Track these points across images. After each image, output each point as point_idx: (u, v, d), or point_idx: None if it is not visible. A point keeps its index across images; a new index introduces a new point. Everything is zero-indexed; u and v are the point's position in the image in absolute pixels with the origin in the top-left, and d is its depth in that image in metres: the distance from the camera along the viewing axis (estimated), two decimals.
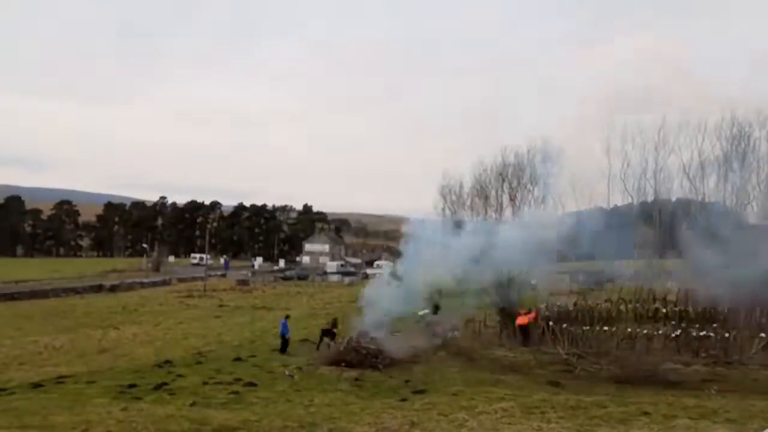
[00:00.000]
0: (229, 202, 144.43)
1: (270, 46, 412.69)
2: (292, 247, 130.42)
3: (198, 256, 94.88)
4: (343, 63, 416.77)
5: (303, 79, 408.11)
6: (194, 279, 66.29)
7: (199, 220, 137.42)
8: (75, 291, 56.64)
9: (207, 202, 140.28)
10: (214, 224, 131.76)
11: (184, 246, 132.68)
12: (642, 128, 33.35)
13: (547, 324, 24.06)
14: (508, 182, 34.50)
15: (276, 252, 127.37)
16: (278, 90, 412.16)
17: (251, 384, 15.72)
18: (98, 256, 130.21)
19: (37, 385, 15.62)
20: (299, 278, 73.41)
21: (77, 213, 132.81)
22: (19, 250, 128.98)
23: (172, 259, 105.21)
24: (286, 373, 17.58)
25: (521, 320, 23.61)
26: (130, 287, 59.67)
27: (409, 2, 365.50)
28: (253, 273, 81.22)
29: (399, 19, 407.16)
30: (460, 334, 25.11)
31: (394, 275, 26.74)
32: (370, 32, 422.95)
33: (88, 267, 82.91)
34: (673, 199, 35.44)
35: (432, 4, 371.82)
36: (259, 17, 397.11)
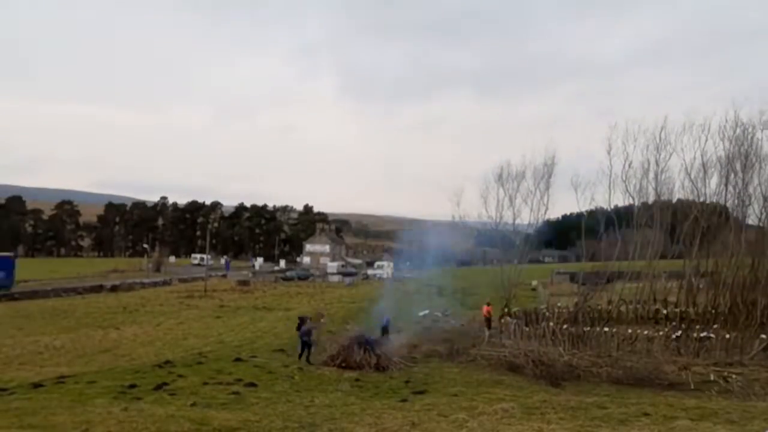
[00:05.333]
0: (229, 203, 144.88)
1: (270, 52, 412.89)
2: (293, 247, 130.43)
3: (199, 256, 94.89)
4: (346, 66, 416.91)
5: (302, 80, 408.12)
6: (195, 279, 66.29)
7: (199, 220, 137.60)
8: (76, 291, 56.64)
9: (208, 203, 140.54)
10: (215, 224, 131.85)
11: (184, 246, 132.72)
12: (644, 128, 33.17)
13: (548, 324, 24.09)
14: (509, 185, 34.41)
15: (276, 252, 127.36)
16: (278, 91, 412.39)
17: (252, 384, 15.71)
18: (99, 256, 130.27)
19: (37, 385, 15.59)
20: (300, 279, 73.38)
21: (78, 213, 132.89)
22: (20, 250, 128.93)
23: (172, 259, 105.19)
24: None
25: (485, 311, 28.74)
26: (131, 287, 59.63)
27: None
28: (254, 273, 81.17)
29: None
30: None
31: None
32: (371, 36, 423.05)
33: (88, 267, 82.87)
34: (674, 200, 35.33)
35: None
36: (252, 20, 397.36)
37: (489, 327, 26.95)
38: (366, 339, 20.35)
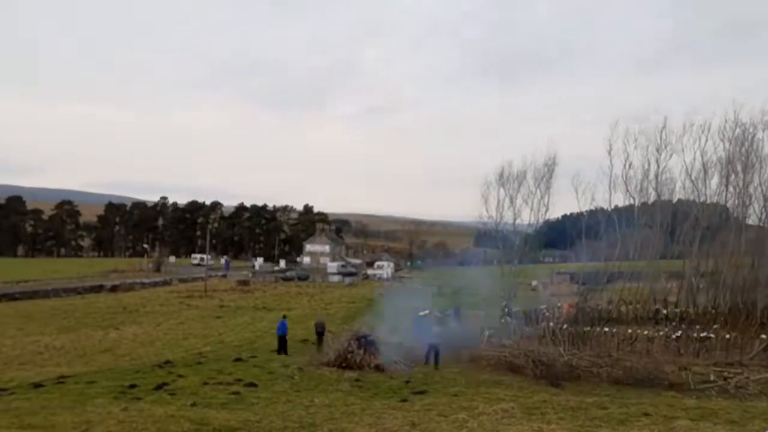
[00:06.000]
0: (229, 203, 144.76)
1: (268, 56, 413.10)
2: (293, 247, 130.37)
3: (199, 256, 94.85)
4: (349, 71, 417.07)
5: (304, 81, 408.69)
6: (195, 279, 66.31)
7: (199, 220, 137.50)
8: (76, 291, 56.68)
9: (208, 203, 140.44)
10: (215, 224, 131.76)
11: (184, 246, 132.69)
12: (645, 129, 33.21)
13: (548, 324, 24.09)
14: (510, 185, 34.43)
15: (276, 252, 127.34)
16: (279, 92, 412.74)
17: (252, 384, 15.71)
18: (99, 256, 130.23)
19: (37, 385, 15.60)
20: (300, 279, 73.39)
21: (78, 213, 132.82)
22: (20, 250, 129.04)
23: (172, 259, 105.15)
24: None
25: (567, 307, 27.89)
26: (131, 287, 59.66)
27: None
28: (254, 273, 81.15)
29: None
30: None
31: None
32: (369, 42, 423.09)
33: (88, 267, 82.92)
34: (675, 200, 35.34)
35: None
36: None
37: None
38: (366, 338, 20.31)
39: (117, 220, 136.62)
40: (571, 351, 20.76)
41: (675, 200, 35.37)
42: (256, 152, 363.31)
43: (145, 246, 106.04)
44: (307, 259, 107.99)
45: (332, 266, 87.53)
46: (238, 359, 20.34)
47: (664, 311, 29.20)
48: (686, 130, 32.29)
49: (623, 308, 30.41)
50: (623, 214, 34.89)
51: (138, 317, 39.49)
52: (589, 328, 23.82)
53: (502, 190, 34.85)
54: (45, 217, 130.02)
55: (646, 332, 22.82)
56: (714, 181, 32.64)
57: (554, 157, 34.30)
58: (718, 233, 32.13)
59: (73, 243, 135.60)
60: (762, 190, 31.18)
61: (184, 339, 29.09)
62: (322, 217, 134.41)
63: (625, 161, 32.98)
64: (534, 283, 55.58)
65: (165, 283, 65.98)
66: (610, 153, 32.92)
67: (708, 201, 33.18)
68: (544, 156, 34.49)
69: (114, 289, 58.75)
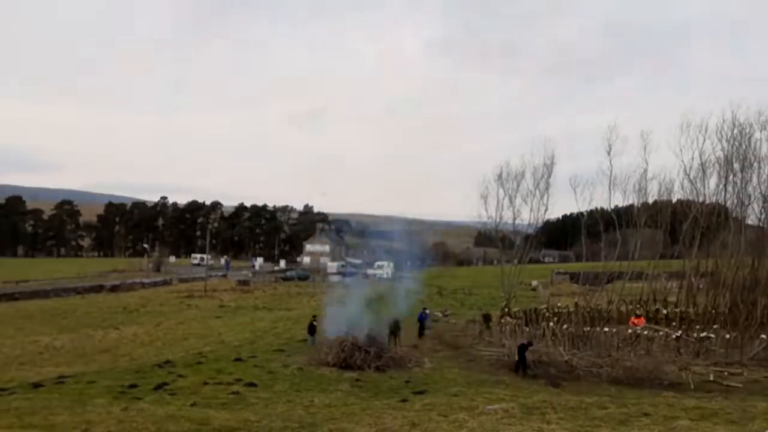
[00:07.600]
0: (229, 203, 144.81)
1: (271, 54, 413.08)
2: (293, 247, 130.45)
3: (199, 256, 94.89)
4: (347, 69, 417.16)
5: (303, 80, 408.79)
6: (195, 279, 66.29)
7: (199, 220, 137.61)
8: (76, 291, 56.67)
9: (208, 203, 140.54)
10: (215, 224, 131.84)
11: (184, 246, 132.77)
12: (644, 129, 33.24)
13: (548, 324, 24.10)
14: (509, 185, 34.50)
15: (277, 252, 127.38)
16: (278, 92, 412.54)
17: (252, 384, 15.73)
18: (99, 256, 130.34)
19: (37, 385, 15.61)
20: (300, 279, 73.41)
21: (78, 213, 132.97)
22: (20, 250, 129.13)
23: (172, 259, 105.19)
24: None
25: (637, 321, 25.17)
26: (131, 287, 59.66)
27: None
28: (254, 273, 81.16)
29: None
30: None
31: None
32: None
33: (88, 267, 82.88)
34: (674, 200, 35.36)
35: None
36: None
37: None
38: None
39: (117, 220, 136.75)
40: (571, 351, 20.75)
41: (674, 200, 35.40)
42: (256, 152, 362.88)
43: (145, 246, 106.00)
44: (307, 259, 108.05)
45: (332, 266, 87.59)
46: (238, 359, 20.34)
47: (664, 311, 29.19)
48: (684, 130, 32.32)
49: (623, 308, 30.41)
50: (623, 213, 34.92)
51: (138, 317, 39.50)
52: (589, 328, 23.82)
53: (501, 190, 34.91)
54: (45, 217, 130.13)
55: (646, 332, 22.80)
56: (713, 181, 32.66)
57: (552, 156, 34.34)
58: (718, 233, 32.14)
59: (73, 243, 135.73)
60: (761, 189, 31.18)
61: (184, 339, 29.09)
62: (322, 217, 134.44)
63: (624, 162, 33.02)
64: (534, 283, 55.65)
65: (165, 283, 65.96)
66: (609, 153, 32.93)
67: (707, 201, 33.18)
68: (542, 155, 34.51)
69: (114, 289, 58.74)
